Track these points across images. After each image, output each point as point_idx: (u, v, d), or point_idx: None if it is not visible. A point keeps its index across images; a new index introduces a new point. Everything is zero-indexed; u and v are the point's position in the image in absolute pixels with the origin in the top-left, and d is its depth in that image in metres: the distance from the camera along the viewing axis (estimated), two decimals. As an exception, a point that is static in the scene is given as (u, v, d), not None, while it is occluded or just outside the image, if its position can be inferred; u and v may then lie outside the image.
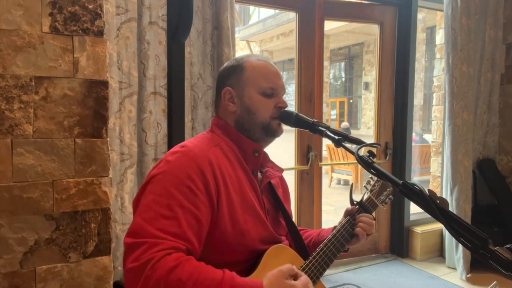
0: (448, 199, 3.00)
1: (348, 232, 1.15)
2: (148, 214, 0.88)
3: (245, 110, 1.09)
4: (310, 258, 1.08)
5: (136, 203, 0.95)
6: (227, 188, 0.98)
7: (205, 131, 1.15)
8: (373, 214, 1.24)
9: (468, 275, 2.89)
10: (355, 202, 1.23)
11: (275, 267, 0.95)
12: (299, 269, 1.04)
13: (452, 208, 2.98)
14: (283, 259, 1.04)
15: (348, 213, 1.21)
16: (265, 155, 1.18)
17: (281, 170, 1.21)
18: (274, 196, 1.17)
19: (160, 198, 0.90)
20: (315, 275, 1.06)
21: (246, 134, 1.10)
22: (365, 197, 1.25)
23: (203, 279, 0.81)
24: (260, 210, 1.05)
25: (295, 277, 0.92)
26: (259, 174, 1.14)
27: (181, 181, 0.91)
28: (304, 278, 0.92)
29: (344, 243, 1.14)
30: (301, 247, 1.15)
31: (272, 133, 1.11)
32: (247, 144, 1.09)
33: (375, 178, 1.28)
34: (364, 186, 1.29)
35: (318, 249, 1.10)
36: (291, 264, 0.92)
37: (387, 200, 1.28)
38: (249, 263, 1.01)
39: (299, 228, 1.32)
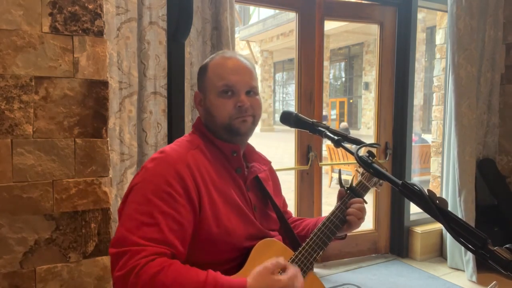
0: (456, 200, 3.00)
1: (339, 219, 1.13)
2: (130, 223, 0.90)
3: (207, 113, 1.08)
4: (300, 248, 1.07)
5: (120, 212, 0.97)
6: (208, 189, 0.98)
7: (187, 133, 1.15)
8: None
9: (476, 276, 2.88)
10: (346, 187, 1.20)
11: (264, 261, 0.95)
12: (289, 261, 1.03)
13: (461, 209, 2.97)
14: (272, 252, 1.03)
15: (339, 198, 1.19)
16: (250, 149, 1.17)
17: (268, 162, 1.19)
18: (262, 191, 1.16)
19: (140, 206, 0.91)
20: (305, 265, 1.05)
21: (215, 136, 1.08)
22: (356, 181, 1.22)
23: (186, 282, 0.83)
24: (246, 208, 1.05)
25: (283, 269, 0.92)
26: (246, 170, 1.12)
27: (160, 188, 0.93)
28: (292, 270, 0.92)
29: (335, 230, 1.12)
30: (293, 240, 1.15)
31: (235, 132, 1.05)
32: (223, 146, 1.08)
33: None
34: (356, 170, 1.26)
35: (308, 239, 1.09)
36: (278, 257, 0.93)
37: (380, 182, 1.23)
38: (238, 260, 1.01)
39: (298, 218, 1.32)
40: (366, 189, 1.21)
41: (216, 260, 0.99)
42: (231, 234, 0.99)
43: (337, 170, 7.01)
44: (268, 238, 1.06)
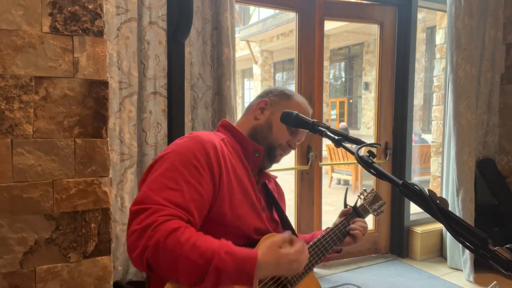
0: (454, 200, 3.00)
1: (341, 232, 1.22)
2: (155, 185, 0.94)
3: (267, 124, 1.18)
4: None
5: (144, 178, 1.00)
6: (228, 173, 1.04)
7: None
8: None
9: (474, 276, 2.88)
10: (349, 206, 1.31)
11: None
12: None
13: (458, 209, 2.97)
14: None
15: (343, 214, 1.29)
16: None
17: (275, 176, 1.31)
18: (270, 197, 1.23)
19: (167, 172, 0.96)
20: (307, 265, 1.10)
21: (248, 134, 1.17)
22: (359, 203, 1.33)
23: (200, 242, 0.87)
24: (257, 203, 1.10)
25: (290, 243, 0.97)
26: (257, 176, 1.20)
27: (188, 159, 0.98)
28: (298, 244, 0.97)
29: (337, 241, 1.20)
30: None
31: (271, 158, 1.19)
32: (249, 144, 1.15)
33: (369, 190, 1.38)
34: (358, 196, 1.36)
35: (311, 243, 1.16)
36: (284, 232, 0.99)
37: (379, 210, 1.37)
38: None
39: None
40: (366, 212, 1.33)
41: None
42: (241, 219, 1.03)
43: (337, 170, 7.01)
44: (273, 233, 1.10)
